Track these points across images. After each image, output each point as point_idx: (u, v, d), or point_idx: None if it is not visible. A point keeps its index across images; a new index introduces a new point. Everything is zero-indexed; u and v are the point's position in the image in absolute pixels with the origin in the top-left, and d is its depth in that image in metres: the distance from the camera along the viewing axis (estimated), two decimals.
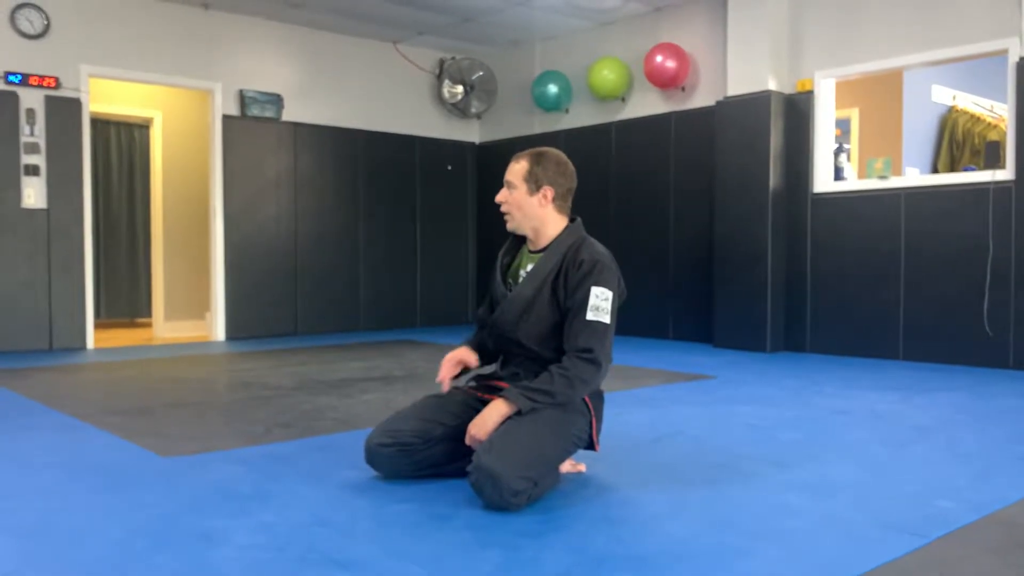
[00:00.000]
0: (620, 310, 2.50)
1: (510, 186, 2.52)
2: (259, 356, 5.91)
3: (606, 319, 2.38)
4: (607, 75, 7.07)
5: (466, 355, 2.63)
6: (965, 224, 5.28)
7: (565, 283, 2.44)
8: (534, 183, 2.49)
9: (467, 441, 2.36)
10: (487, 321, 2.62)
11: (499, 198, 2.55)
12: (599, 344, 2.35)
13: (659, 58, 6.66)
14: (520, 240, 2.65)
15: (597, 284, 2.38)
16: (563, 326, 2.43)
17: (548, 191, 2.50)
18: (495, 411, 2.33)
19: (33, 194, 6.16)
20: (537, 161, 2.51)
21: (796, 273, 6.10)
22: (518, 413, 2.30)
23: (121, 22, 6.55)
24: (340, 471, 2.65)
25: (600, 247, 2.51)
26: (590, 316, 2.36)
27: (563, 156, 2.57)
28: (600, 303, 2.37)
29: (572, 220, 2.57)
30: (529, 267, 2.54)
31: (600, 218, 7.11)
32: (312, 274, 7.54)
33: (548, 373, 2.34)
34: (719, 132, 6.32)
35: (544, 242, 2.54)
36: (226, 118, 7.04)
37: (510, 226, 2.57)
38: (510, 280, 2.59)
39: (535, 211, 2.51)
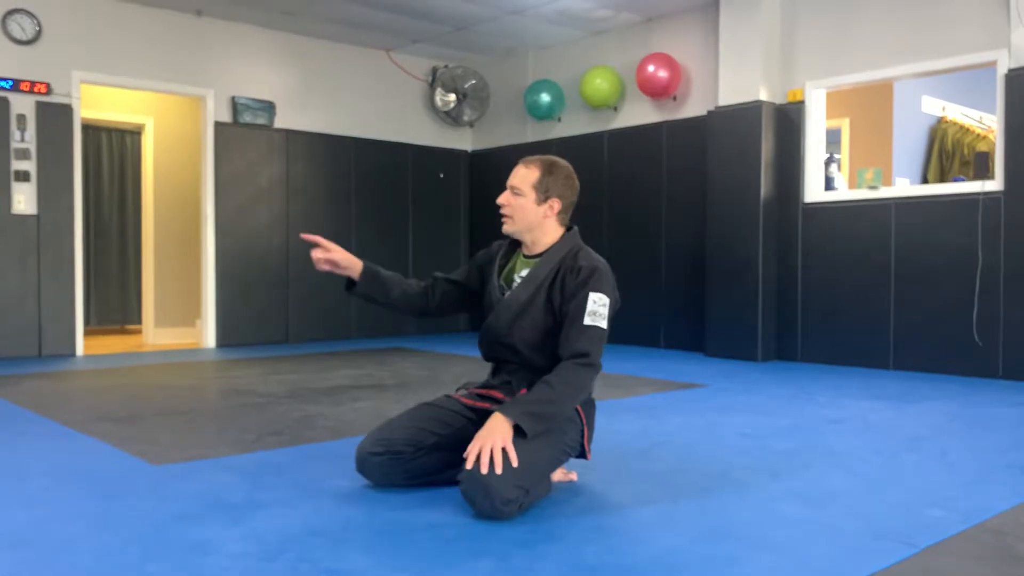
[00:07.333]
0: (612, 318, 2.50)
1: (516, 191, 2.49)
2: (250, 363, 5.89)
3: (603, 324, 2.37)
4: (599, 84, 7.10)
5: (349, 260, 2.51)
6: (954, 234, 5.31)
7: (562, 289, 2.43)
8: (543, 193, 2.48)
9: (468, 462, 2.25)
10: (438, 281, 2.65)
11: (501, 200, 2.52)
12: (595, 349, 2.35)
13: (651, 68, 6.69)
14: (516, 244, 2.64)
15: (595, 290, 2.38)
16: (556, 332, 2.42)
17: (555, 203, 2.49)
18: (500, 435, 2.19)
19: (23, 200, 6.13)
20: (549, 171, 2.49)
21: (787, 282, 6.12)
22: (523, 435, 2.21)
23: (113, 28, 6.54)
24: (331, 479, 2.64)
25: (596, 255, 2.50)
26: (587, 321, 2.35)
27: (571, 169, 2.56)
28: (598, 308, 2.37)
29: (568, 228, 2.57)
30: (524, 272, 2.53)
31: (592, 227, 7.11)
32: (304, 281, 7.51)
33: (546, 384, 2.29)
34: (711, 141, 6.35)
35: (540, 248, 2.53)
36: (218, 125, 7.03)
37: (507, 229, 2.54)
38: (503, 284, 2.58)
39: (538, 220, 2.49)
